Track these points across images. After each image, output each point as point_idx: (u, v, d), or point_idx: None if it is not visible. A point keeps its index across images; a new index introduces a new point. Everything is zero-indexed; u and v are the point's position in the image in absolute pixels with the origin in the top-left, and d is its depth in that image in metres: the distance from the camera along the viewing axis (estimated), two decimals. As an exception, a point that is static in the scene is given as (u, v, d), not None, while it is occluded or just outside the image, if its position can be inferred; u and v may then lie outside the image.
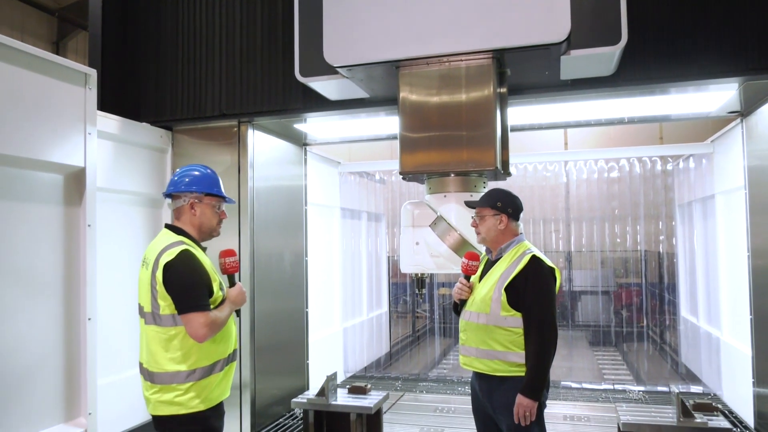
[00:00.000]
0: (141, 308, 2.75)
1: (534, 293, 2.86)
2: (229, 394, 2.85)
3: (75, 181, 3.52)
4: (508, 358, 2.88)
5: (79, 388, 3.47)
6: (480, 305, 2.96)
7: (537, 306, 2.85)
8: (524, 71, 3.91)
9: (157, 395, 2.64)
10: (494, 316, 2.90)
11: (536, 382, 2.81)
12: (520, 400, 2.80)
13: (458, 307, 3.17)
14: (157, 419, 2.69)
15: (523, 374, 2.86)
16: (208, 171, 2.87)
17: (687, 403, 3.88)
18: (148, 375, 2.69)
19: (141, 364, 2.76)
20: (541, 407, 2.90)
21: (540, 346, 2.83)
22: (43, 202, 3.34)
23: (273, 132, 5.48)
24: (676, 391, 3.95)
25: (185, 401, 2.60)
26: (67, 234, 3.47)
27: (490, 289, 2.94)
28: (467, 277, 3.10)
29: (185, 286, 2.59)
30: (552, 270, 2.94)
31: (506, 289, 2.88)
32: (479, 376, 3.03)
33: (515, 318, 2.88)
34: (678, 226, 7.58)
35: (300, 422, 5.21)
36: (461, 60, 3.65)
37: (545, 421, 2.99)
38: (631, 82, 4.19)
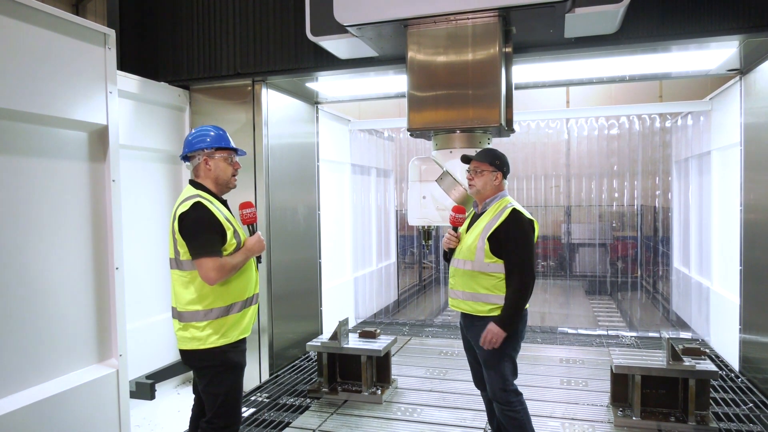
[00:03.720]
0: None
1: (514, 242, 2.99)
2: (249, 334, 2.93)
3: (98, 139, 3.52)
4: (490, 300, 3.05)
5: (110, 332, 3.56)
6: (466, 253, 3.10)
7: (516, 254, 2.98)
8: (529, 29, 3.81)
9: (181, 332, 2.79)
10: (479, 262, 3.04)
11: (510, 317, 2.97)
12: (491, 327, 2.97)
13: (448, 255, 3.31)
14: (183, 353, 2.84)
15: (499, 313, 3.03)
16: (215, 128, 2.94)
17: (676, 348, 3.92)
18: (175, 313, 2.83)
19: (173, 306, 2.89)
20: (517, 342, 3.08)
21: (518, 287, 2.97)
22: (69, 159, 3.34)
23: (286, 91, 5.42)
24: (667, 336, 3.98)
25: (204, 337, 2.73)
26: (93, 189, 3.48)
27: (475, 238, 3.07)
28: (455, 229, 3.25)
29: (196, 234, 2.68)
30: (531, 222, 3.06)
31: (489, 239, 3.01)
32: (464, 315, 3.22)
33: (497, 264, 3.02)
34: (674, 181, 7.51)
35: (315, 364, 5.34)
36: (468, 18, 3.56)
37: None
38: (633, 40, 4.08)
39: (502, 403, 3.06)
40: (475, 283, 3.07)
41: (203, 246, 2.66)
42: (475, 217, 3.20)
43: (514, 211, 3.03)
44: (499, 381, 3.05)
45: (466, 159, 3.23)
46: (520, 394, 3.09)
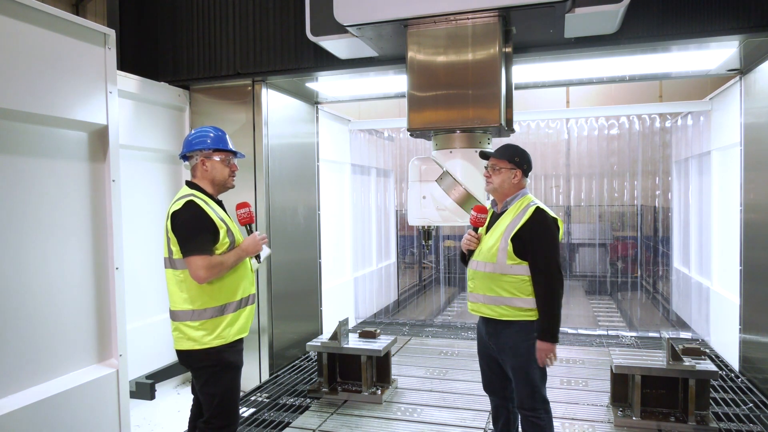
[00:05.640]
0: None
1: (539, 242, 2.87)
2: (247, 334, 2.92)
3: (98, 139, 3.52)
4: (514, 303, 2.92)
5: (110, 332, 3.56)
6: (487, 255, 2.97)
7: (542, 254, 2.86)
8: (529, 29, 3.81)
9: (176, 332, 2.80)
10: (500, 264, 2.92)
11: (551, 325, 2.85)
12: (541, 345, 2.84)
13: (465, 257, 3.18)
14: (179, 353, 2.84)
15: (527, 318, 2.91)
16: (216, 130, 2.94)
17: (676, 348, 3.92)
18: (170, 313, 2.84)
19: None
20: None
21: (549, 291, 2.85)
22: (69, 159, 3.34)
23: (286, 91, 5.42)
24: (666, 336, 3.98)
25: (198, 337, 2.74)
26: (93, 189, 3.48)
27: (497, 239, 2.95)
28: (475, 229, 3.11)
29: (187, 232, 2.68)
30: (555, 220, 2.94)
31: (512, 240, 2.89)
32: (485, 321, 3.06)
33: (521, 266, 2.90)
34: (674, 181, 7.51)
35: (315, 364, 5.34)
36: (468, 18, 3.56)
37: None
38: (633, 40, 4.08)
39: (527, 409, 2.95)
40: (497, 285, 2.93)
41: (193, 244, 2.66)
42: (495, 217, 3.07)
43: (538, 210, 2.90)
44: (528, 387, 2.94)
45: (484, 155, 3.12)
46: (548, 403, 2.99)
